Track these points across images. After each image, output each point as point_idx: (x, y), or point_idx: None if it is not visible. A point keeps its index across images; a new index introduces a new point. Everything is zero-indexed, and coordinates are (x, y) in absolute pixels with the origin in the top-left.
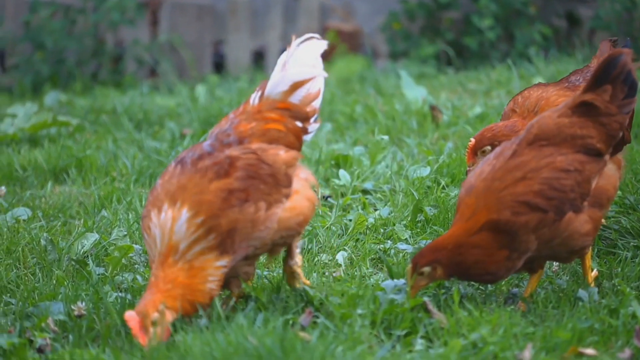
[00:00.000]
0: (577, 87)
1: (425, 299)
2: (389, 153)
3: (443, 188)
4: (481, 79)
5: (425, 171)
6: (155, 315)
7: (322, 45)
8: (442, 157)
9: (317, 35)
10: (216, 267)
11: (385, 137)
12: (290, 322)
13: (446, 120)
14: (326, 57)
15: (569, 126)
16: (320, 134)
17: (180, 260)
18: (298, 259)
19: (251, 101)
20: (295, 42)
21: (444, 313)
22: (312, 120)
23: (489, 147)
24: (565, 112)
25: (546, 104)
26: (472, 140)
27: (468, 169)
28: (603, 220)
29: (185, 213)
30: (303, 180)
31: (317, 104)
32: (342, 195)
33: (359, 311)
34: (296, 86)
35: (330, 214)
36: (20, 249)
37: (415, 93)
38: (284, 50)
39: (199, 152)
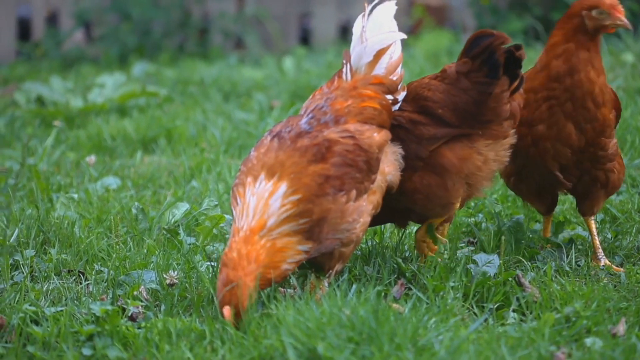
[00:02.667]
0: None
1: (518, 272)
2: None
3: None
4: None
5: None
6: (247, 304)
7: (393, 6)
8: None
9: None
10: (297, 250)
11: None
12: (383, 293)
13: None
14: (413, 31)
15: (422, 86)
16: None
17: (265, 237)
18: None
19: (344, 76)
20: (367, 8)
21: (537, 287)
22: (399, 87)
23: None
24: (434, 75)
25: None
26: None
27: None
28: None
29: (283, 187)
30: (384, 182)
31: (400, 69)
32: None
33: (452, 283)
34: (379, 55)
35: None
36: (111, 217)
37: None
38: None
39: (297, 130)
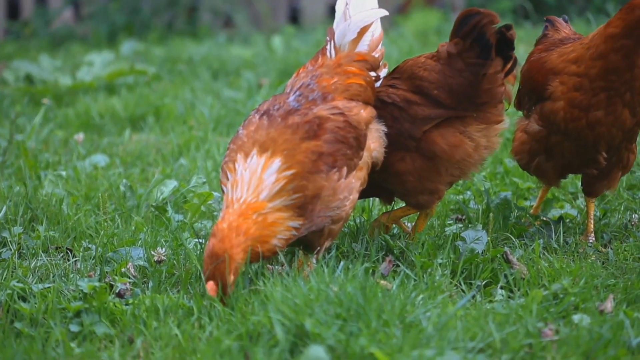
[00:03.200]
0: None
1: (506, 249)
2: None
3: None
4: None
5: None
6: (232, 279)
7: None
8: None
9: None
10: (288, 227)
11: None
12: (371, 270)
13: None
14: (403, 10)
15: (419, 66)
16: None
17: (256, 212)
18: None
19: (328, 53)
20: None
21: (525, 264)
22: (380, 64)
23: None
24: (430, 55)
25: None
26: None
27: None
28: None
29: (277, 162)
30: (370, 158)
31: (381, 46)
32: None
33: (439, 260)
34: (363, 32)
35: None
36: (99, 195)
37: None
38: None
39: (286, 107)
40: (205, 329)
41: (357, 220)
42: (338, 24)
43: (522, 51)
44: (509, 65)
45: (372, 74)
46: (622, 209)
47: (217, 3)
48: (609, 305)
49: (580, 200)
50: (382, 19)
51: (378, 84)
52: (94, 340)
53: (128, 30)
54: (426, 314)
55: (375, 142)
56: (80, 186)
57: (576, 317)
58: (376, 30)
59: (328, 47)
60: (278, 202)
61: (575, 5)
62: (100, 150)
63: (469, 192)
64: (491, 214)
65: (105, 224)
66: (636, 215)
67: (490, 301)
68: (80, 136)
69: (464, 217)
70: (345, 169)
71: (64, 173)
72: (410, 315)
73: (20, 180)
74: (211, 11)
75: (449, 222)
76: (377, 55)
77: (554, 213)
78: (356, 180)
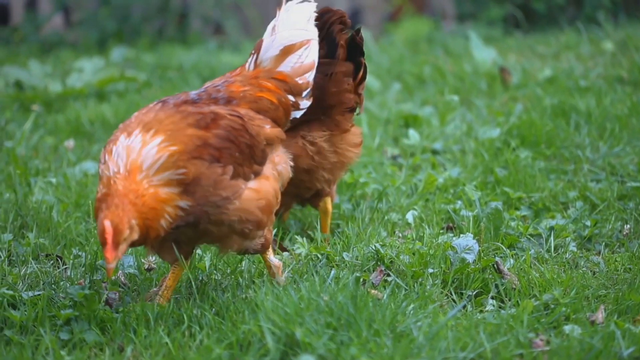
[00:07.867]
0: None
1: (497, 259)
2: (458, 114)
3: (513, 149)
4: (550, 42)
5: (495, 132)
6: (127, 232)
7: (313, 7)
8: (512, 119)
9: None
10: (175, 205)
11: (455, 98)
12: (362, 279)
13: (515, 82)
14: (393, 17)
15: None
16: (389, 94)
17: (145, 180)
18: (275, 260)
19: (247, 65)
20: (286, 5)
21: (516, 274)
22: (304, 94)
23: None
24: None
25: None
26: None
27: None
28: None
29: (157, 139)
30: (276, 170)
31: (310, 77)
32: (412, 155)
33: (430, 270)
34: (287, 51)
35: (399, 173)
36: (89, 202)
37: (484, 55)
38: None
39: (184, 98)
40: (196, 338)
41: (349, 230)
42: (265, 39)
43: (512, 60)
44: (361, 73)
45: (291, 97)
46: (613, 219)
47: (207, 10)
48: (600, 316)
49: (572, 210)
50: (372, 26)
51: (298, 114)
52: (84, 348)
53: (118, 37)
54: (417, 323)
55: (283, 165)
56: (71, 193)
57: (567, 328)
58: (307, 57)
59: (249, 60)
60: (166, 174)
61: (566, 14)
62: (90, 157)
63: (459, 202)
64: (482, 224)
65: (95, 231)
66: (627, 226)
67: (481, 311)
68: (70, 143)
69: (454, 226)
70: (231, 168)
71: (54, 180)
72: (401, 325)
73: (10, 187)
74: (201, 18)
75: (438, 231)
76: (300, 82)
77: (545, 223)
78: (249, 191)
